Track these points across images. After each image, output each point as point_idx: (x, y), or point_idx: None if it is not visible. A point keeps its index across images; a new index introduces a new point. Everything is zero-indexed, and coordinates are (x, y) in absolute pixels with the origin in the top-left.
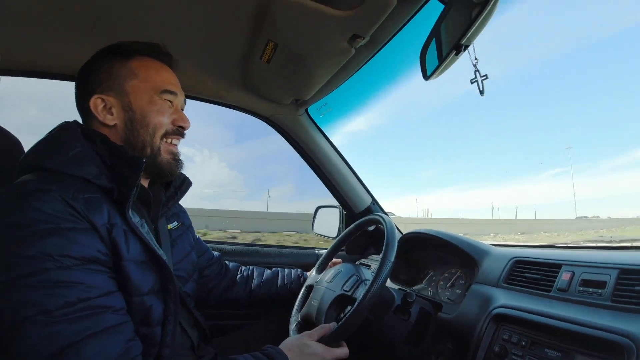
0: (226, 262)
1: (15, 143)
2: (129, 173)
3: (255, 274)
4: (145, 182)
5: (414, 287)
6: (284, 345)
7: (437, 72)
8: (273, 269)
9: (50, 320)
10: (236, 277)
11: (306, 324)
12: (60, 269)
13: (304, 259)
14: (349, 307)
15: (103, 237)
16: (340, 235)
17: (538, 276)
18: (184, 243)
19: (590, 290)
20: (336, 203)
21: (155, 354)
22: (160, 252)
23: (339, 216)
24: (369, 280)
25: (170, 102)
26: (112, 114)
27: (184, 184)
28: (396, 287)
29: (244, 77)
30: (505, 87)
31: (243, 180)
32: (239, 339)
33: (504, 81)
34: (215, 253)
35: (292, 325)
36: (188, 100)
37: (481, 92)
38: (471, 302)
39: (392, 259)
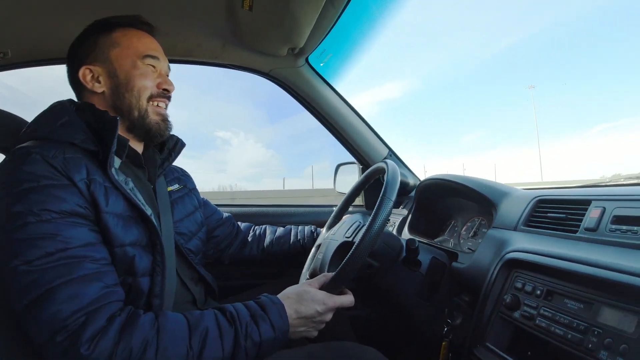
0: (238, 223)
1: (22, 123)
2: (108, 132)
3: (267, 232)
4: (139, 146)
5: (435, 239)
6: (282, 294)
7: None
8: (286, 227)
9: (30, 269)
10: (248, 236)
11: None
12: (40, 222)
13: (322, 217)
14: None
15: (82, 191)
16: (349, 191)
17: (563, 215)
18: (185, 203)
19: (624, 228)
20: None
21: (143, 303)
22: (145, 207)
23: (357, 172)
24: None
25: (153, 66)
26: (99, 82)
27: (177, 145)
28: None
29: (233, 31)
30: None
31: (280, 159)
32: (250, 297)
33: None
34: (226, 214)
35: (301, 281)
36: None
37: None
38: (485, 249)
39: (393, 198)
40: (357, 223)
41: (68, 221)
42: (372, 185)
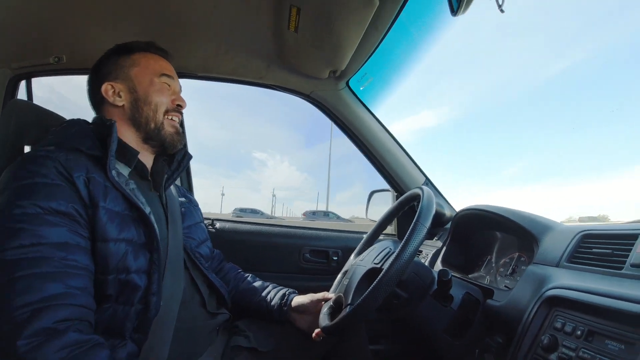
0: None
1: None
2: (107, 136)
3: (245, 279)
4: (150, 157)
5: (470, 275)
6: None
7: (462, 6)
8: (264, 282)
9: (0, 257)
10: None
11: (338, 307)
12: (24, 214)
13: (351, 243)
14: None
15: (79, 189)
16: (381, 217)
17: (608, 251)
18: (193, 215)
19: None
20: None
21: (139, 300)
22: (144, 206)
23: (392, 200)
24: None
25: (168, 84)
26: (120, 97)
27: (185, 157)
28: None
29: (278, 53)
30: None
31: (313, 182)
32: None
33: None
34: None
35: (324, 309)
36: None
37: (500, 7)
38: (524, 286)
39: (427, 224)
40: (388, 249)
41: (51, 218)
42: (406, 214)
